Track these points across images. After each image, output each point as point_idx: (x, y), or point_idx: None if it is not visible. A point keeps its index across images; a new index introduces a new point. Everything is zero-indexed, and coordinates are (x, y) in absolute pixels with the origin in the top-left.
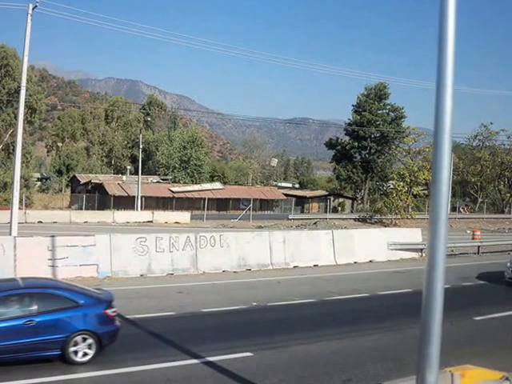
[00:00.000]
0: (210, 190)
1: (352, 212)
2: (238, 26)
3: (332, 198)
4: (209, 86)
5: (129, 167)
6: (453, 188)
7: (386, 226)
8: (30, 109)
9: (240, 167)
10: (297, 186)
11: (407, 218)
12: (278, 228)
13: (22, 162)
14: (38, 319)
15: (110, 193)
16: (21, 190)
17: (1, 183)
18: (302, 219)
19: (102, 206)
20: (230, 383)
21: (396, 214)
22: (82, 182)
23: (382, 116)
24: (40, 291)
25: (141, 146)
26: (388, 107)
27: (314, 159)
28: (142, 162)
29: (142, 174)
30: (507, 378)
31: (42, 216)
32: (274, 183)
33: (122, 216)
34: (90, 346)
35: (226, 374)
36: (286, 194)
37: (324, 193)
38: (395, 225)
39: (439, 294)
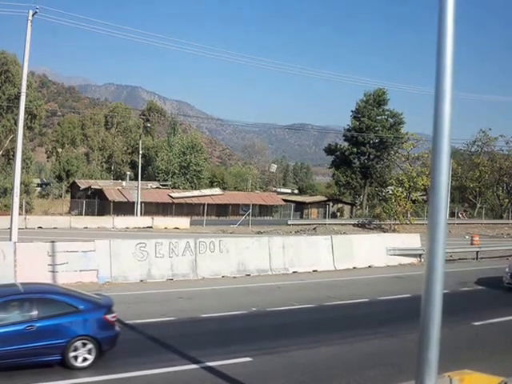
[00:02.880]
0: (209, 195)
1: (351, 217)
2: (237, 32)
3: (331, 204)
4: (208, 91)
5: (128, 173)
6: (451, 193)
7: (384, 232)
8: (30, 115)
9: (239, 173)
10: (296, 191)
11: (406, 223)
12: (278, 233)
13: (22, 168)
14: (38, 324)
15: (109, 198)
16: (21, 195)
17: (1, 189)
18: (301, 225)
19: (102, 211)
20: None
21: (395, 219)
22: (82, 187)
23: (381, 122)
24: (40, 296)
25: (140, 152)
26: (387, 113)
27: (313, 165)
28: (142, 167)
29: (141, 179)
30: (506, 383)
31: (41, 221)
32: (273, 189)
33: (121, 221)
34: (89, 351)
35: (225, 379)
36: (285, 200)
37: (323, 198)
38: (394, 230)
39: (438, 299)
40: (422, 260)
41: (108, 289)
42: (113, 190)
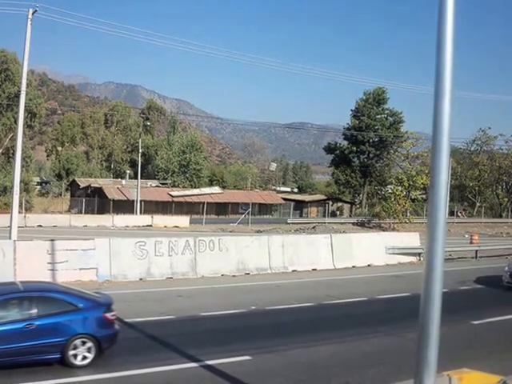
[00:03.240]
0: (209, 194)
1: (350, 216)
2: (237, 31)
3: (330, 203)
4: (208, 90)
5: (128, 171)
6: (451, 192)
7: (384, 231)
8: (30, 113)
9: (239, 171)
10: (295, 190)
11: (405, 222)
12: (277, 232)
13: (22, 166)
14: (37, 323)
15: (109, 197)
16: (20, 193)
17: (1, 187)
18: (300, 223)
19: (102, 209)
20: None
21: (394, 218)
22: (82, 186)
23: (381, 121)
24: (39, 295)
25: (140, 151)
26: (386, 112)
27: (312, 163)
28: (142, 166)
29: (141, 178)
30: (504, 382)
31: (41, 220)
32: (273, 187)
33: (121, 220)
34: (89, 350)
35: (224, 378)
36: (284, 199)
37: (322, 197)
38: (393, 229)
39: (437, 298)
40: (422, 259)
41: (107, 287)
42: (112, 188)
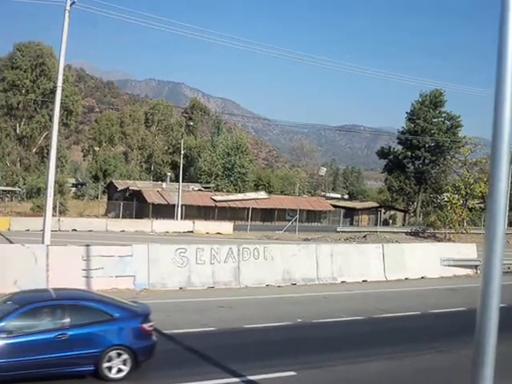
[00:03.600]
0: (254, 199)
1: (404, 225)
2: (285, 29)
3: (383, 210)
4: (255, 89)
5: (169, 174)
6: (511, 201)
7: (439, 241)
8: (66, 110)
9: (286, 176)
10: (346, 196)
11: (462, 232)
12: (326, 241)
13: (57, 167)
14: (70, 332)
15: (148, 201)
16: (55, 195)
17: (34, 188)
18: (350, 232)
19: (140, 214)
20: None
21: (450, 228)
22: (120, 188)
23: (437, 124)
24: (73, 303)
25: (182, 152)
26: (444, 115)
27: (364, 169)
28: (183, 168)
29: (182, 181)
30: None
31: (76, 224)
32: (322, 193)
33: (160, 225)
34: (124, 362)
35: None
36: (334, 205)
37: (374, 204)
38: (449, 239)
39: (494, 313)
40: (479, 271)
41: (145, 296)
42: (152, 191)
